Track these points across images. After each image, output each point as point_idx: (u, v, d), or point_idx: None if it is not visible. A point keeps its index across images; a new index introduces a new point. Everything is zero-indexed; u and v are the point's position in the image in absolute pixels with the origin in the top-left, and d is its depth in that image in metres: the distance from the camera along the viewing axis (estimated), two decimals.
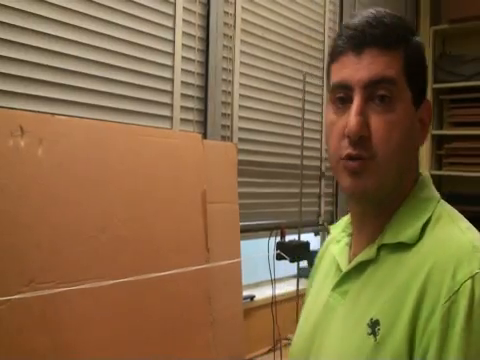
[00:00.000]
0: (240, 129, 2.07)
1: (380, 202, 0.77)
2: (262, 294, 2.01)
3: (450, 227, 0.73)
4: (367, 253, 0.77)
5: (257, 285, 2.15)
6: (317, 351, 0.81)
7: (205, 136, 1.87)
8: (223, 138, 1.98)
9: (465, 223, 0.75)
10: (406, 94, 0.75)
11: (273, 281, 1.48)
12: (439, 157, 3.35)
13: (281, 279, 2.29)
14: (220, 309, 1.67)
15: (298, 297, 1.61)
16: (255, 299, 1.96)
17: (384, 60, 0.73)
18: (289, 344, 1.88)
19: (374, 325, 0.71)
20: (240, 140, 2.06)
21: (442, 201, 0.79)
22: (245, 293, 1.90)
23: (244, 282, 1.85)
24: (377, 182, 0.74)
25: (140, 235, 1.42)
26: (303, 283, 2.29)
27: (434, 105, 3.13)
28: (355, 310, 0.76)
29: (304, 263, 2.42)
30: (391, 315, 0.69)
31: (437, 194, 0.80)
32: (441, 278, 0.66)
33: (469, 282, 0.64)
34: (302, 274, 2.34)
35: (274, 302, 1.48)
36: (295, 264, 2.30)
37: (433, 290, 0.66)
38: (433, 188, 0.81)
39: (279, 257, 1.55)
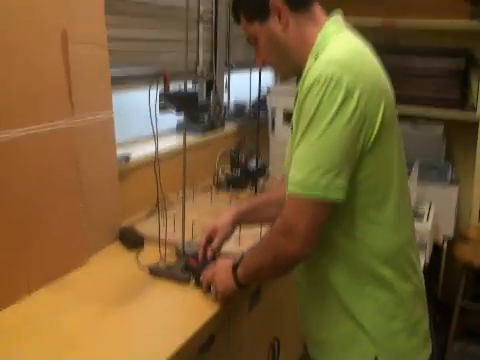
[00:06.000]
0: None
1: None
2: (138, 153, 1.80)
3: None
4: None
5: (133, 143, 1.93)
6: None
7: None
8: None
9: None
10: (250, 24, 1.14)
11: (156, 136, 1.26)
12: None
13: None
14: (91, 173, 1.45)
15: (185, 151, 1.42)
16: (131, 159, 1.74)
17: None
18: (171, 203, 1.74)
19: None
20: None
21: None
22: (119, 152, 1.67)
23: (118, 140, 1.61)
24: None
25: None
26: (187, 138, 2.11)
27: None
28: None
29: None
30: None
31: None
32: None
33: None
34: (180, 128, 2.16)
35: (157, 159, 1.28)
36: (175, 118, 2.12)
37: None
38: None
39: (162, 108, 1.32)
